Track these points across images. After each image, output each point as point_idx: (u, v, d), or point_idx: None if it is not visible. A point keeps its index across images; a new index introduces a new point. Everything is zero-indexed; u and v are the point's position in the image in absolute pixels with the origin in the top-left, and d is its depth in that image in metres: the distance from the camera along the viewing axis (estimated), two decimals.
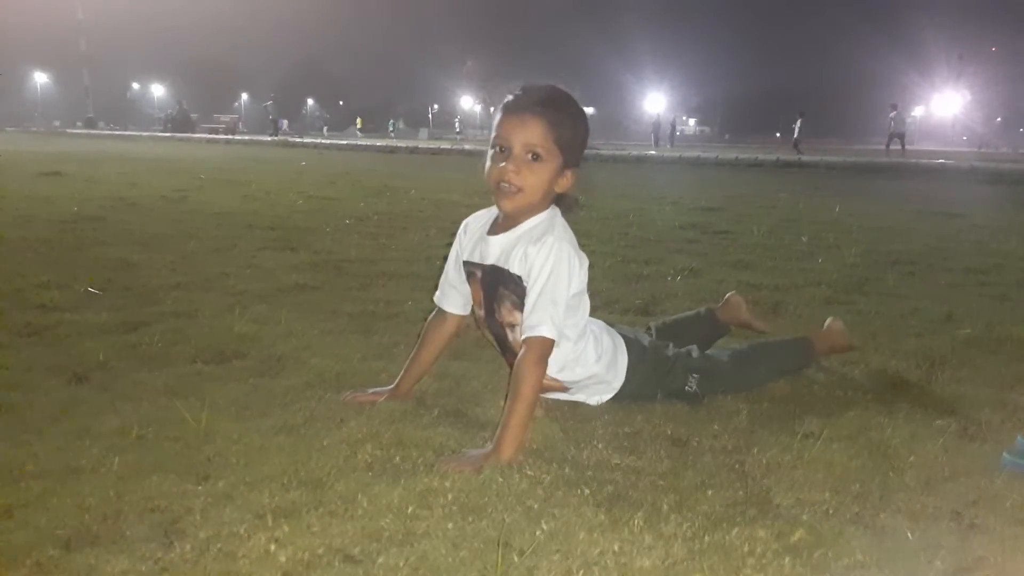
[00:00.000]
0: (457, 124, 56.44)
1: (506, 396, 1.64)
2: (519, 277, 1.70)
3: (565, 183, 1.71)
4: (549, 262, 1.65)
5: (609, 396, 1.88)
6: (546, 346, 1.63)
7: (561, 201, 1.75)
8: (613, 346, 1.89)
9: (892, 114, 24.26)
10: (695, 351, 2.00)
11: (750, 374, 2.04)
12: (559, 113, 1.66)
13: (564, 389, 1.86)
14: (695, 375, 1.93)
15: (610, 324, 1.97)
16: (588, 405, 1.88)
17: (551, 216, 1.73)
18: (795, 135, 25.27)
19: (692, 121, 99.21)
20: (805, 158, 17.60)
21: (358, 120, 60.73)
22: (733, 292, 2.44)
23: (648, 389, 1.91)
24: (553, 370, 1.77)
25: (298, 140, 28.19)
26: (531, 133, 1.63)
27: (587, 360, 1.83)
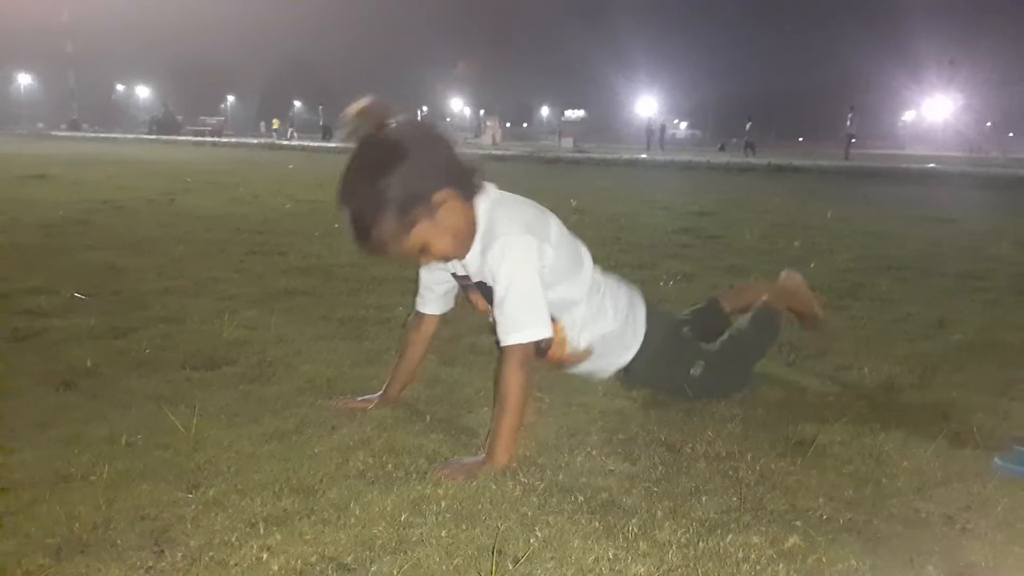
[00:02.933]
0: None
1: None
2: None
3: (450, 208, 1.57)
4: (505, 263, 1.59)
5: (628, 357, 1.88)
6: (525, 350, 1.59)
7: (466, 189, 1.61)
8: (629, 298, 1.90)
9: (850, 115, 24.18)
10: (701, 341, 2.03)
11: (748, 363, 2.09)
12: (370, 207, 1.51)
13: (586, 356, 1.84)
14: (701, 361, 1.95)
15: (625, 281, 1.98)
16: (601, 377, 1.90)
17: (486, 215, 1.63)
18: (746, 139, 27.41)
19: (683, 125, 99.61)
20: (754, 160, 17.90)
21: (274, 121, 56.46)
22: (787, 271, 2.37)
23: (661, 363, 1.92)
24: (575, 332, 1.77)
25: (285, 143, 28.10)
26: (381, 247, 1.55)
27: (606, 313, 1.82)
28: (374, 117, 1.54)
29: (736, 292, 2.36)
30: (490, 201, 1.65)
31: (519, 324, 1.59)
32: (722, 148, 22.33)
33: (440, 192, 1.55)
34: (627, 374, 1.94)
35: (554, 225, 1.72)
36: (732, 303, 2.27)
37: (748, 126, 27.92)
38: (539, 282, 1.61)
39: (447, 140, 1.62)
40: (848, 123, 24.13)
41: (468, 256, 1.66)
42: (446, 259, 1.65)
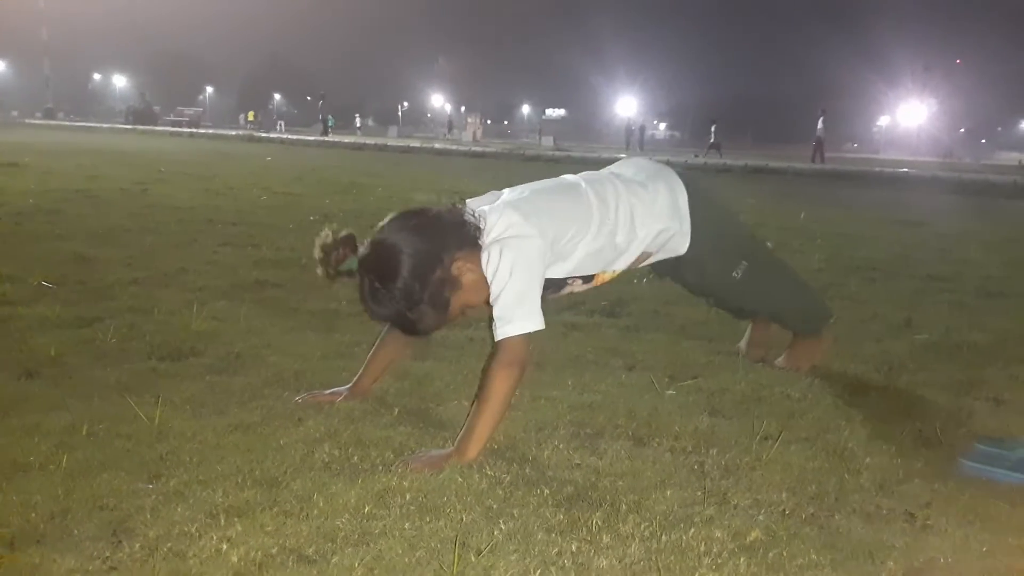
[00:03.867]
0: (449, 124, 55.91)
1: (474, 398, 1.62)
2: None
3: (468, 269, 1.63)
4: (503, 262, 1.60)
5: (684, 248, 1.92)
6: (517, 347, 1.58)
7: (471, 241, 1.64)
8: (670, 191, 1.91)
9: (821, 118, 24.20)
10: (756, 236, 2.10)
11: (782, 293, 2.15)
12: (406, 313, 1.61)
13: (645, 260, 1.91)
14: (745, 262, 2.00)
15: (665, 167, 2.01)
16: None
17: (489, 246, 1.64)
18: (711, 140, 27.96)
19: (663, 126, 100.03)
20: (730, 162, 18.10)
21: (249, 113, 55.96)
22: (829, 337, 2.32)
23: (709, 257, 1.96)
24: (615, 265, 1.84)
25: (264, 135, 27.84)
26: (433, 330, 1.67)
27: (640, 229, 1.84)
28: (345, 248, 1.61)
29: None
30: (494, 216, 1.67)
31: (510, 317, 1.59)
32: (697, 156, 22.44)
33: (455, 264, 1.62)
34: (681, 264, 1.97)
35: (553, 203, 1.75)
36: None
37: (714, 128, 28.50)
38: (536, 277, 1.63)
39: (431, 214, 1.67)
40: (819, 126, 24.17)
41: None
42: (487, 304, 1.66)
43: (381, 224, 1.65)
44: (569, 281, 1.83)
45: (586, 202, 1.79)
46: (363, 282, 1.62)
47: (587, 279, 1.86)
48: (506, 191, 1.80)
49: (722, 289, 2.08)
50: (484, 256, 1.63)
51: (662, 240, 1.89)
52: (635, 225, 1.83)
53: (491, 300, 1.62)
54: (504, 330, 1.59)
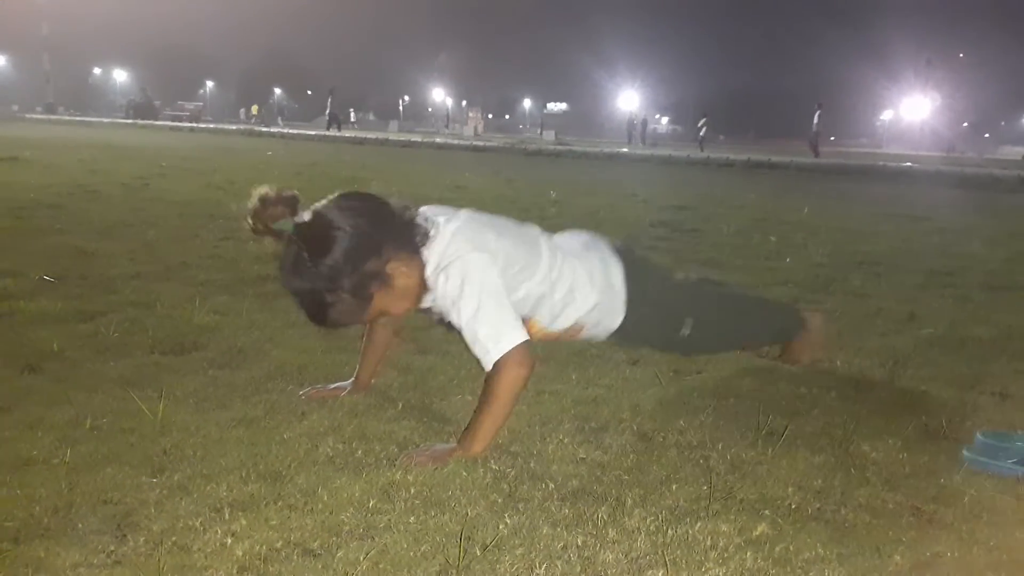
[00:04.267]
0: (446, 118, 55.86)
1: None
2: None
3: (402, 273, 1.56)
4: (466, 286, 1.54)
5: (618, 321, 1.83)
6: (518, 354, 1.53)
7: (413, 245, 1.59)
8: (603, 265, 1.81)
9: (818, 112, 23.95)
10: (695, 277, 2.00)
11: (740, 326, 2.07)
12: (324, 293, 1.51)
13: (578, 331, 1.81)
14: (689, 318, 1.91)
15: (599, 238, 1.92)
16: (598, 340, 1.87)
17: (441, 251, 1.59)
18: (701, 134, 28.24)
19: (665, 120, 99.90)
20: (730, 155, 18.17)
21: (253, 107, 55.35)
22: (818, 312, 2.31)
23: (649, 324, 1.88)
24: (552, 322, 1.74)
25: (264, 129, 27.78)
26: (340, 325, 1.58)
27: (580, 290, 1.75)
28: (283, 208, 1.51)
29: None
30: (448, 234, 1.60)
31: (495, 336, 1.53)
32: (702, 151, 22.48)
33: (391, 262, 1.55)
34: (619, 335, 1.88)
35: (508, 233, 1.69)
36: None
37: (702, 122, 28.55)
38: (503, 292, 1.58)
39: (382, 203, 1.60)
40: (815, 120, 23.97)
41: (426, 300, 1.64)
42: (405, 316, 1.62)
43: (329, 197, 1.57)
44: None
45: (538, 247, 1.72)
46: (289, 248, 1.51)
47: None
48: (464, 211, 1.71)
49: (677, 348, 1.99)
50: (440, 278, 1.57)
51: (596, 317, 1.80)
52: (573, 289, 1.74)
53: (464, 325, 1.56)
54: (494, 353, 1.53)
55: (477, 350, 1.55)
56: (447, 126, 49.50)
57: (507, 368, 1.52)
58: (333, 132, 26.54)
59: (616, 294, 1.81)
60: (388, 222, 1.57)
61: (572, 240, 1.88)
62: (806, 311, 2.28)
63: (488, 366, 1.53)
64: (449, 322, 1.63)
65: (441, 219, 1.63)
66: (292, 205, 1.52)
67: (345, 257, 1.50)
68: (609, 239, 1.92)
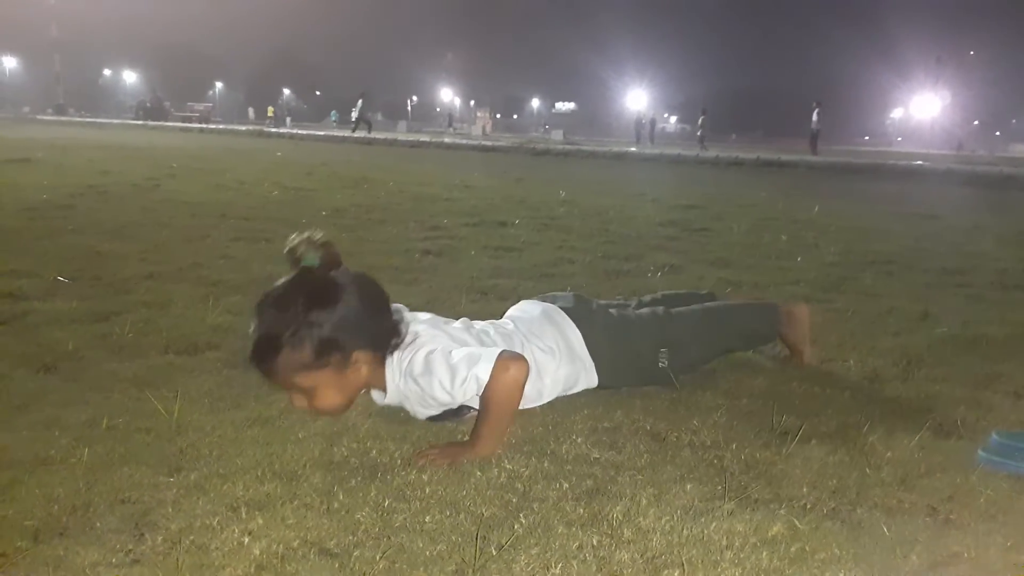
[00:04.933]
0: (449, 118, 55.86)
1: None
2: (451, 407, 1.65)
3: (360, 371, 1.59)
4: (435, 368, 1.58)
5: (594, 379, 1.86)
6: (496, 366, 1.54)
7: (383, 351, 1.63)
8: (557, 330, 1.82)
9: (816, 110, 23.77)
10: (660, 310, 1.98)
11: (717, 341, 2.05)
12: (289, 335, 1.52)
13: (551, 398, 1.83)
14: (663, 349, 1.92)
15: (542, 298, 1.94)
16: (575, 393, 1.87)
17: (403, 367, 1.62)
18: (700, 132, 28.21)
19: (673, 119, 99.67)
20: (740, 154, 18.13)
21: (268, 109, 54.99)
22: (802, 303, 2.31)
23: (626, 370, 1.89)
24: (529, 403, 1.74)
25: (273, 130, 27.85)
26: (273, 373, 1.56)
27: (547, 378, 1.78)
28: (325, 255, 1.57)
29: (737, 299, 2.32)
30: (423, 347, 1.63)
31: (472, 364, 1.55)
32: (707, 149, 22.43)
33: (360, 352, 1.58)
34: (602, 387, 1.89)
35: (466, 333, 1.72)
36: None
37: (701, 120, 28.54)
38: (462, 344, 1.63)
39: (384, 299, 1.65)
40: (814, 119, 23.82)
41: (390, 392, 1.66)
42: (318, 412, 1.62)
43: (350, 268, 1.63)
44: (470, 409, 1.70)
45: (494, 342, 1.73)
46: (288, 282, 1.57)
47: None
48: (458, 323, 1.76)
49: (661, 379, 1.95)
50: (405, 363, 1.61)
51: (571, 382, 1.83)
52: (542, 373, 1.76)
53: (443, 387, 1.57)
54: (483, 368, 1.54)
55: (469, 388, 1.56)
56: (450, 125, 49.41)
57: (496, 375, 1.54)
58: (361, 134, 25.43)
59: (582, 360, 1.84)
60: (383, 318, 1.64)
61: (525, 315, 1.88)
62: (786, 305, 2.26)
63: (483, 389, 1.55)
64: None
65: (420, 328, 1.67)
66: (332, 252, 1.59)
67: (332, 318, 1.54)
68: (561, 299, 1.94)
